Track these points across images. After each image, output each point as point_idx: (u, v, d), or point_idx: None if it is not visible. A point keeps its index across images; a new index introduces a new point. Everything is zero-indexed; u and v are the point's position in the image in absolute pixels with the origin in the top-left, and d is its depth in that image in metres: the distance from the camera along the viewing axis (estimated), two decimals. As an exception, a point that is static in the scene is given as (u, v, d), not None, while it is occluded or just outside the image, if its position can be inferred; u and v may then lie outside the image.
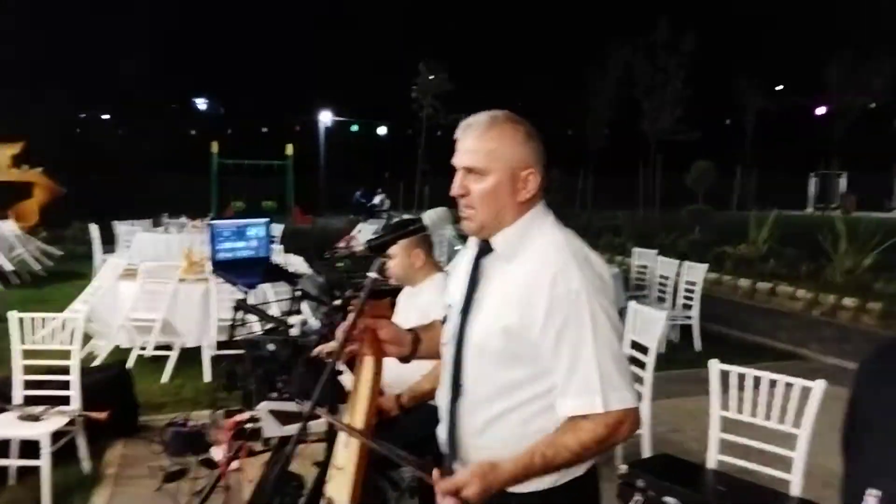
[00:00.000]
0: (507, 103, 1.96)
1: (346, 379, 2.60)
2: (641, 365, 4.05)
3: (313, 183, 28.75)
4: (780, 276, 11.02)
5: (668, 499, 2.92)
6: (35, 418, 3.85)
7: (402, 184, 26.30)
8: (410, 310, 3.06)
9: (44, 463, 3.71)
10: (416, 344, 1.94)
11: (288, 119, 35.86)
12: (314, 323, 3.83)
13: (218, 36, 34.54)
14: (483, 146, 1.70)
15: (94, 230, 10.61)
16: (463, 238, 3.36)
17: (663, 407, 5.33)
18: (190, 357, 6.16)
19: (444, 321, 1.91)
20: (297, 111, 34.96)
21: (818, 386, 2.92)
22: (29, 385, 4.02)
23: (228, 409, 3.44)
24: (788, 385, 3.00)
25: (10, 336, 4.02)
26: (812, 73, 28.86)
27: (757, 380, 3.09)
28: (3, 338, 4.28)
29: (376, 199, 24.99)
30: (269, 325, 3.69)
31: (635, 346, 4.22)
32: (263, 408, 2.75)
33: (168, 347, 6.15)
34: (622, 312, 4.70)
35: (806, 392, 2.96)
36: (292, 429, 2.49)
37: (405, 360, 1.96)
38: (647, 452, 3.98)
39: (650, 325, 4.17)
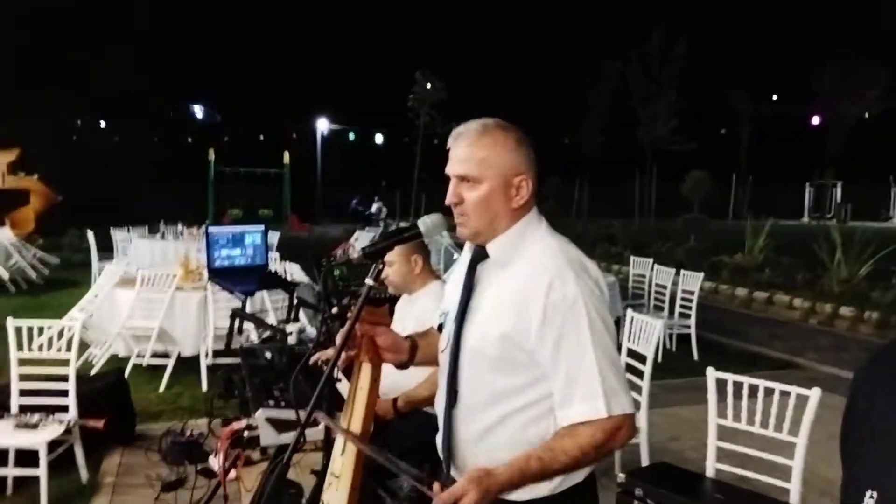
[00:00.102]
0: (503, 112, 1.98)
1: (344, 387, 2.59)
2: (639, 373, 4.06)
3: (310, 191, 28.80)
4: (777, 286, 11.07)
5: (665, 507, 2.92)
6: (32, 427, 3.83)
7: (399, 192, 26.33)
8: (408, 317, 3.07)
9: (41, 472, 3.69)
10: (414, 351, 1.94)
11: (285, 127, 35.90)
12: (311, 331, 3.84)
13: (215, 43, 34.59)
14: (475, 154, 1.71)
15: (91, 237, 10.60)
16: (459, 245, 3.37)
17: (662, 416, 5.34)
18: (187, 365, 6.15)
19: (439, 328, 1.92)
20: (294, 119, 35.01)
21: (814, 394, 2.93)
22: (25, 393, 4.00)
23: (226, 418, 3.44)
24: (785, 393, 3.01)
25: (6, 344, 4.01)
26: (806, 84, 29.01)
27: (753, 388, 3.09)
28: (0, 346, 4.27)
29: (373, 208, 25.02)
30: (266, 333, 3.69)
31: (632, 354, 4.22)
32: (261, 416, 2.75)
33: (165, 356, 6.13)
34: (619, 321, 4.73)
35: (802, 401, 2.96)
36: (290, 437, 2.48)
37: (402, 366, 1.97)
38: (645, 461, 3.97)
39: (647, 333, 4.17)
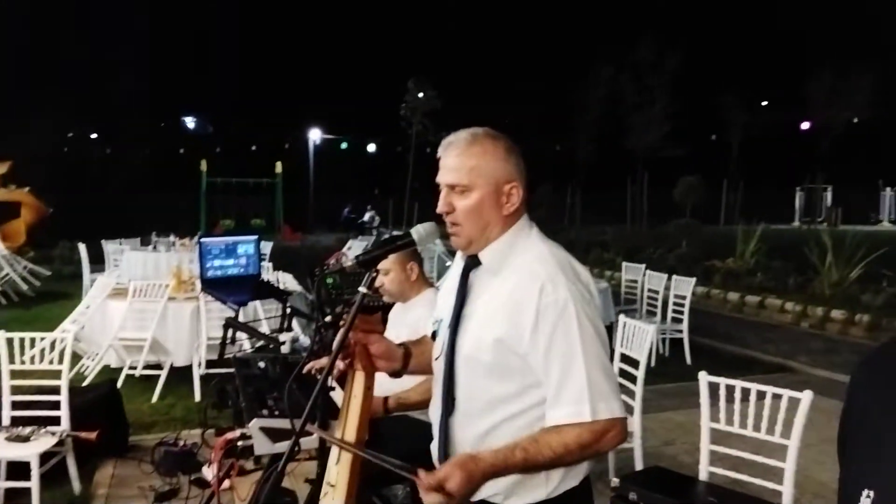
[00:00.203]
0: (495, 121, 2.00)
1: (338, 395, 2.60)
2: (632, 378, 4.07)
3: (302, 200, 28.77)
4: (769, 290, 11.12)
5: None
6: (24, 439, 3.81)
7: (392, 201, 26.35)
8: (401, 326, 3.07)
9: (33, 484, 3.68)
10: (407, 359, 1.95)
11: (277, 137, 35.92)
12: (305, 340, 3.84)
13: (206, 54, 34.63)
14: (465, 163, 1.73)
15: (82, 249, 10.56)
16: (452, 253, 3.38)
17: (655, 420, 5.36)
18: (180, 376, 6.13)
19: (433, 336, 1.92)
20: (286, 129, 35.04)
21: (806, 397, 2.95)
22: (17, 405, 3.99)
23: (219, 428, 3.43)
24: (777, 397, 3.02)
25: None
26: (795, 90, 29.22)
27: (746, 392, 3.11)
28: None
29: (366, 216, 25.02)
30: (260, 343, 3.69)
31: (625, 359, 4.24)
32: (255, 425, 2.74)
33: (158, 366, 6.12)
34: (612, 327, 4.73)
35: (794, 403, 2.98)
36: (284, 446, 2.48)
37: (396, 374, 1.97)
38: (639, 465, 3.99)
39: (640, 338, 4.19)
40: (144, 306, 6.21)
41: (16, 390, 4.02)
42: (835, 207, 29.06)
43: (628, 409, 3.88)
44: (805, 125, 32.74)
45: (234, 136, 36.61)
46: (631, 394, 4.04)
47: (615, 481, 3.21)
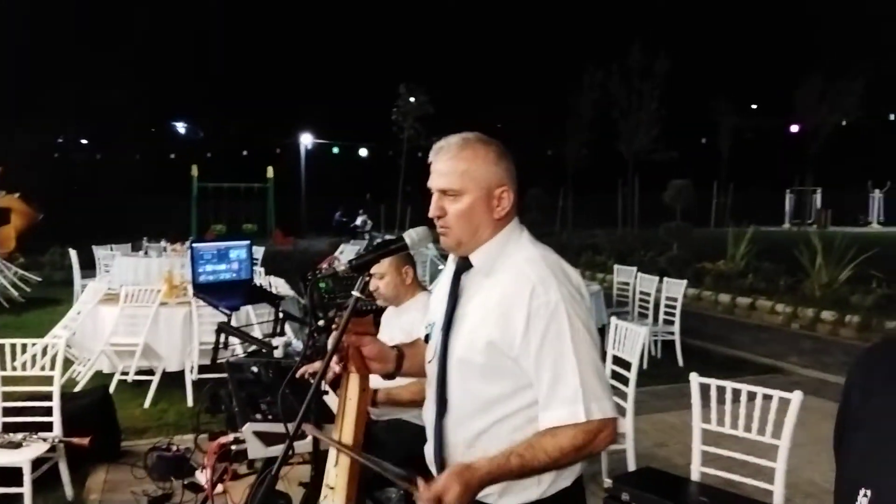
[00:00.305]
0: (487, 125, 2.02)
1: (331, 399, 2.61)
2: (624, 380, 4.09)
3: (294, 205, 28.73)
4: (759, 291, 11.17)
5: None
6: (16, 445, 3.80)
7: (384, 205, 26.34)
8: (395, 329, 3.09)
9: (26, 490, 3.67)
10: (401, 360, 1.96)
11: (268, 142, 35.86)
12: (297, 344, 3.84)
13: (197, 58, 34.55)
14: (456, 167, 1.75)
15: (73, 255, 10.51)
16: (444, 257, 3.39)
17: (648, 422, 5.38)
18: (172, 381, 6.12)
19: (426, 339, 1.94)
20: (278, 133, 34.99)
21: (796, 397, 2.97)
22: (9, 412, 3.98)
23: (212, 432, 3.43)
24: (767, 397, 3.05)
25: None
26: (785, 93, 29.42)
27: (737, 393, 3.13)
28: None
29: (358, 220, 25.02)
30: (252, 348, 3.69)
31: (618, 361, 4.26)
32: (248, 429, 2.74)
33: (150, 372, 6.10)
34: (604, 329, 4.75)
35: (784, 404, 3.01)
36: (277, 450, 2.49)
37: (389, 376, 1.98)
38: (632, 466, 4.00)
39: (632, 340, 4.21)
40: (136, 311, 6.20)
41: (7, 396, 4.01)
42: (824, 209, 29.24)
43: (621, 410, 3.91)
44: (794, 128, 32.92)
45: (226, 140, 36.53)
46: (623, 395, 4.06)
47: (608, 482, 3.23)
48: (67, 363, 5.81)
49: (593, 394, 1.65)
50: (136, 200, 24.81)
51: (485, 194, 1.75)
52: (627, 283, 8.41)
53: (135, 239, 12.14)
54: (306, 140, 32.42)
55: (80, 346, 6.42)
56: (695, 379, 3.28)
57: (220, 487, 3.01)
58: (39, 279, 13.16)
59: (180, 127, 35.54)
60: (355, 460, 1.72)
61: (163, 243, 11.12)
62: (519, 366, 1.69)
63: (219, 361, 3.66)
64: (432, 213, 1.80)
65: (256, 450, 2.75)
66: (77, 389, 5.77)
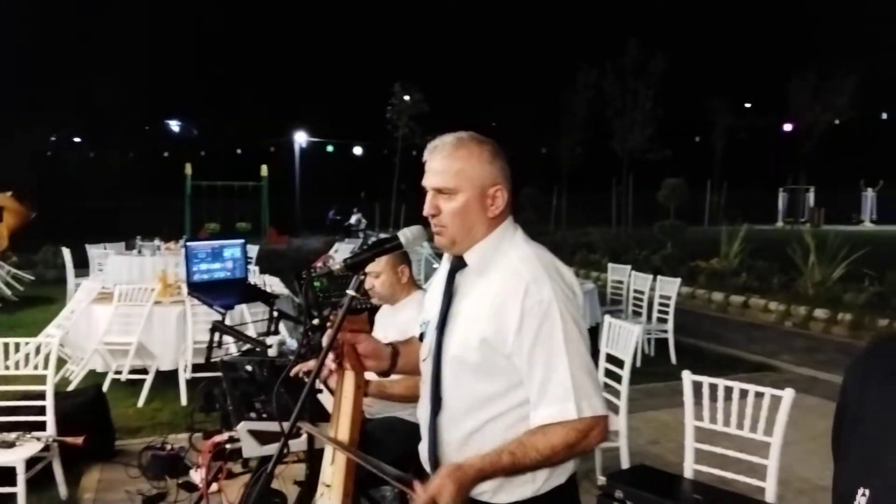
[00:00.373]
0: (481, 124, 2.03)
1: (325, 397, 2.61)
2: (618, 378, 4.10)
3: (288, 203, 28.69)
4: (753, 290, 11.22)
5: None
6: (9, 445, 3.79)
7: (379, 203, 26.33)
8: (389, 327, 3.09)
9: (19, 489, 3.66)
10: (395, 358, 1.96)
11: (262, 140, 35.80)
12: (292, 343, 3.84)
13: (191, 58, 34.46)
14: (451, 166, 1.76)
15: (66, 254, 10.48)
16: (439, 255, 3.40)
17: (641, 419, 5.40)
18: (166, 380, 6.10)
19: (421, 338, 1.94)
20: (272, 132, 34.93)
21: (787, 395, 2.99)
22: (2, 411, 3.96)
23: (206, 431, 3.43)
24: (759, 395, 3.06)
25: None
26: (778, 92, 29.54)
27: (729, 390, 3.15)
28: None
29: (353, 219, 24.97)
30: (247, 346, 3.69)
31: (611, 359, 4.27)
32: (242, 428, 2.75)
33: (144, 371, 6.09)
34: (598, 327, 4.77)
35: (776, 401, 3.02)
36: (272, 448, 2.49)
37: (384, 374, 1.99)
38: (625, 464, 4.01)
39: (625, 338, 4.22)
40: (130, 310, 6.18)
41: (0, 396, 3.99)
42: (817, 208, 29.39)
43: (614, 408, 3.93)
44: (788, 127, 33.06)
45: (220, 139, 36.45)
46: (617, 393, 4.07)
47: (602, 479, 3.24)
48: (61, 362, 5.79)
49: (584, 392, 1.66)
50: (129, 199, 24.73)
51: (479, 193, 1.76)
52: (621, 282, 8.44)
53: (128, 238, 12.11)
54: (300, 138, 32.36)
55: (74, 345, 6.40)
56: (687, 377, 3.30)
57: (214, 486, 3.02)
58: (32, 278, 13.11)
59: (174, 125, 35.42)
60: (352, 458, 1.73)
61: (156, 242, 11.10)
62: (512, 364, 1.70)
63: (213, 360, 3.65)
64: (427, 211, 1.80)
65: (251, 448, 2.75)
66: (70, 388, 5.76)
